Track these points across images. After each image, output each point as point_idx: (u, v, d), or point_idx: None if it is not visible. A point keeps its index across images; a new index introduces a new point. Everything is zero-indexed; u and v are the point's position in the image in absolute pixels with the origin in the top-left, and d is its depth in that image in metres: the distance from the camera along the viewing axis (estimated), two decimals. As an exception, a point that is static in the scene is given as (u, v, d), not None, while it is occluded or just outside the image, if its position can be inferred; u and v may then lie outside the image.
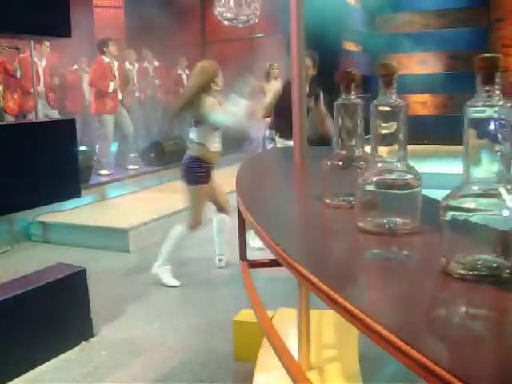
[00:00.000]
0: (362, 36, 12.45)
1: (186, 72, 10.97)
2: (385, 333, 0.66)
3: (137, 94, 9.91)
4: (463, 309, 0.76)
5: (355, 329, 0.74)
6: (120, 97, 8.46)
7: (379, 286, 0.84)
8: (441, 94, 12.52)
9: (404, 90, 11.74)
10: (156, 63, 10.39)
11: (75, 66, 9.55)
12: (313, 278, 0.83)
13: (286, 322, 2.82)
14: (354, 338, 2.65)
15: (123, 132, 8.45)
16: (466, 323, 0.72)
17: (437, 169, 8.21)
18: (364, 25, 12.53)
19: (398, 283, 0.83)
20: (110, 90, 8.03)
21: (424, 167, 8.00)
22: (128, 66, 9.68)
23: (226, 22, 1.69)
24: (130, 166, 8.62)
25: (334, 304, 0.78)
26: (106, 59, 8.14)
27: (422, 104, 12.73)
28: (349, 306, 0.73)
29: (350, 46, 11.83)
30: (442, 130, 11.14)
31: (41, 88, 8.13)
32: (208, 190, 4.38)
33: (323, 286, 0.80)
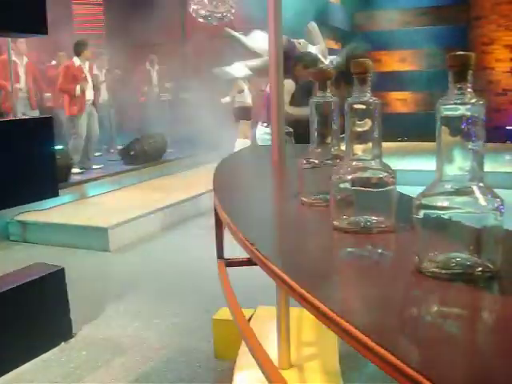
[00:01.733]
0: (342, 33, 12.49)
1: (156, 67, 10.96)
2: (355, 333, 0.66)
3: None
4: (435, 308, 0.76)
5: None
6: (92, 97, 8.47)
7: (352, 286, 0.83)
8: (421, 92, 12.60)
9: (384, 88, 11.84)
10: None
11: (53, 62, 9.46)
12: (286, 278, 0.83)
13: (265, 320, 2.82)
14: (334, 336, 2.65)
15: (88, 133, 8.48)
16: (437, 322, 0.71)
17: (417, 166, 8.26)
18: (344, 22, 12.57)
19: (371, 282, 0.83)
20: (78, 93, 8.05)
21: (404, 164, 8.05)
22: (95, 71, 9.65)
23: (200, 19, 1.68)
24: (94, 166, 8.63)
25: (306, 303, 0.77)
26: (78, 61, 8.13)
27: (402, 101, 12.81)
28: (320, 305, 0.73)
29: (330, 44, 11.86)
30: (421, 127, 11.15)
31: (22, 87, 8.07)
32: None
33: (296, 286, 0.79)
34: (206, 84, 10.42)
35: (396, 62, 12.77)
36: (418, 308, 0.75)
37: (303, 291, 0.77)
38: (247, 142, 8.81)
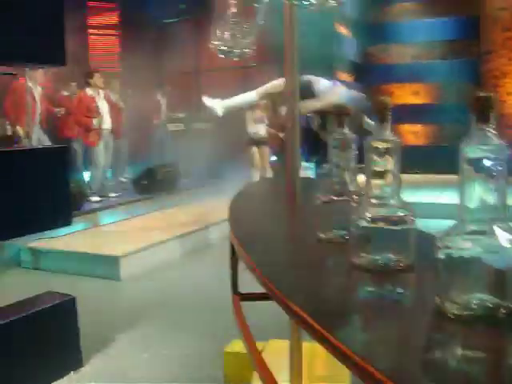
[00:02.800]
0: (355, 66, 12.58)
1: (166, 98, 11.02)
2: (377, 376, 0.65)
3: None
4: (457, 351, 0.75)
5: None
6: (109, 126, 8.52)
7: (372, 327, 0.82)
8: (432, 124, 12.64)
9: (396, 120, 11.84)
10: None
11: (65, 92, 9.48)
12: (306, 318, 0.82)
13: (277, 353, 2.79)
14: (346, 372, 2.62)
15: None
16: (460, 367, 0.70)
17: (428, 198, 8.23)
18: (356, 55, 12.67)
19: (392, 323, 0.82)
20: (95, 125, 8.14)
21: (415, 197, 8.02)
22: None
23: (220, 55, 1.70)
24: (112, 194, 8.65)
25: (326, 344, 0.76)
26: (90, 91, 8.22)
27: (414, 134, 12.83)
28: (341, 346, 0.72)
29: (343, 76, 11.94)
30: (432, 159, 11.21)
31: (37, 114, 8.19)
32: None
33: (316, 326, 0.79)
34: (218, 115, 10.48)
35: (408, 94, 12.83)
36: (439, 351, 0.74)
37: (324, 331, 0.77)
38: (264, 172, 8.86)
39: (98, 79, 8.32)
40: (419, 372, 0.69)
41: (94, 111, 8.20)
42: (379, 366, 0.68)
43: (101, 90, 8.48)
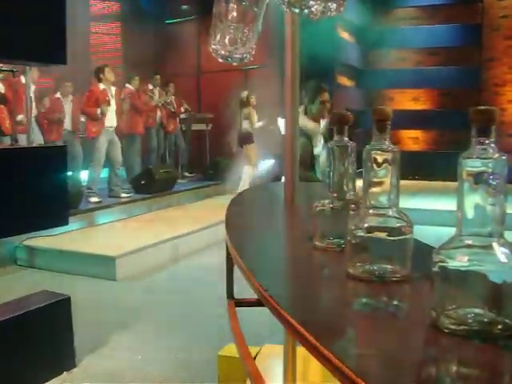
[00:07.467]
0: (356, 71, 12.60)
1: (158, 89, 10.70)
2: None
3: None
4: (452, 368, 0.74)
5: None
6: (115, 124, 8.41)
7: (367, 340, 0.81)
8: (432, 130, 12.66)
9: (396, 126, 11.85)
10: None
11: (58, 94, 9.25)
12: (298, 328, 0.81)
13: (271, 358, 2.78)
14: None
15: (111, 161, 8.40)
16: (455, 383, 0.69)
17: (426, 205, 8.24)
18: (358, 60, 12.68)
19: (387, 337, 0.81)
20: (99, 115, 8.02)
21: (413, 203, 8.03)
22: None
23: (220, 60, 1.68)
24: (123, 195, 8.55)
25: (319, 356, 0.75)
26: (102, 86, 8.13)
27: (414, 139, 12.85)
28: (333, 359, 0.71)
29: (344, 81, 11.95)
30: (432, 165, 11.22)
31: (33, 111, 8.16)
32: None
33: (309, 337, 0.78)
34: (218, 115, 10.50)
35: (408, 100, 12.85)
36: (433, 367, 0.73)
37: (317, 343, 0.76)
38: (255, 170, 8.83)
39: (108, 73, 8.17)
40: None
41: (102, 102, 8.05)
42: (371, 381, 0.67)
43: (112, 87, 8.36)
